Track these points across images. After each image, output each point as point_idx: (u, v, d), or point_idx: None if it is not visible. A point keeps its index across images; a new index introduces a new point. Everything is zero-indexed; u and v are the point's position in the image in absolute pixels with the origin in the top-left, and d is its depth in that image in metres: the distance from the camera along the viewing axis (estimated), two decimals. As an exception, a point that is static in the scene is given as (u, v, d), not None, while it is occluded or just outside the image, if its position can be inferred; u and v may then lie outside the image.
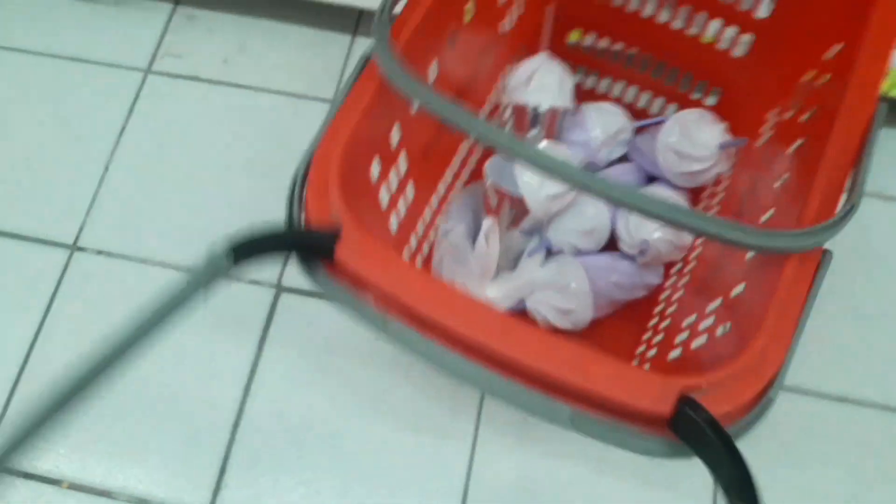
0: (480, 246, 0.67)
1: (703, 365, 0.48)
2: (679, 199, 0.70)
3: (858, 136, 0.44)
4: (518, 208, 0.69)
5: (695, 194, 0.72)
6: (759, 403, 0.39)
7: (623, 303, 0.70)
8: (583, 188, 0.42)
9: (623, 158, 0.76)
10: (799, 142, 0.50)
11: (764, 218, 0.49)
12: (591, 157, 0.75)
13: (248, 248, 0.40)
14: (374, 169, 0.52)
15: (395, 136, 0.53)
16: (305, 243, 0.43)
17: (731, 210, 0.62)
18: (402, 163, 0.57)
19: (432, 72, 0.56)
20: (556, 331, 0.68)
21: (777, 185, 0.50)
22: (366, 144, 0.49)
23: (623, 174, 0.76)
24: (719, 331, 0.47)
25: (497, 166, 0.68)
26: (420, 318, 0.41)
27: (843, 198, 0.43)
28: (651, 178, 0.75)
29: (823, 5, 0.54)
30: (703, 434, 0.37)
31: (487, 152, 0.73)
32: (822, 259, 0.41)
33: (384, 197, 0.56)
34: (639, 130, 0.75)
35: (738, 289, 0.47)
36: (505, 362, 0.39)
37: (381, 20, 0.48)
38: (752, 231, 0.39)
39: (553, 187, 0.65)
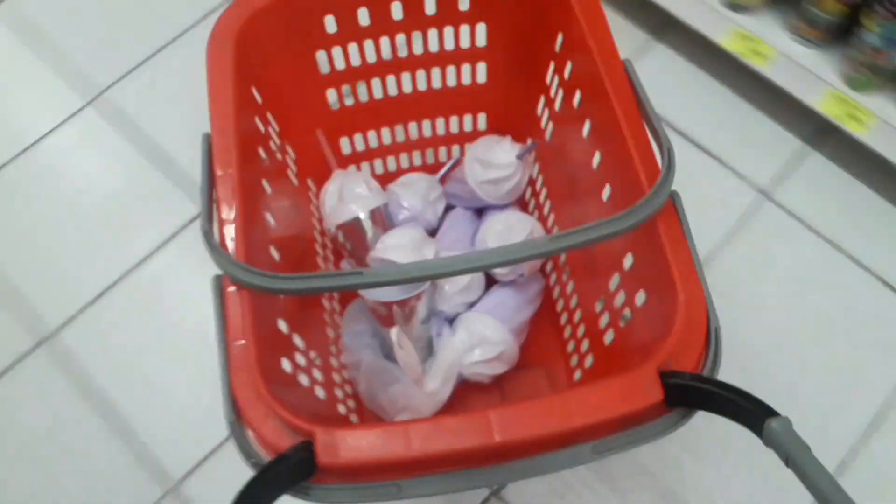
0: (401, 355, 0.69)
1: (640, 335, 0.53)
2: (517, 216, 0.76)
3: (631, 94, 0.52)
4: (404, 304, 0.71)
5: (522, 207, 0.79)
6: (711, 339, 0.45)
7: (529, 321, 0.75)
8: (449, 273, 0.45)
9: (449, 207, 0.82)
10: (588, 123, 0.58)
11: (605, 195, 0.56)
12: (425, 224, 0.79)
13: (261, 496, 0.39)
14: (285, 365, 0.52)
15: (282, 326, 0.54)
16: (294, 470, 0.42)
17: (568, 201, 0.69)
18: (298, 342, 0.57)
19: (269, 220, 0.57)
20: (498, 377, 0.71)
21: (595, 163, 0.57)
22: (267, 352, 0.49)
23: (456, 218, 0.81)
24: (638, 300, 0.52)
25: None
26: (424, 461, 0.43)
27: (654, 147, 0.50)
28: (478, 211, 0.81)
29: (529, 12, 0.62)
30: (696, 392, 0.42)
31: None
32: (675, 202, 0.48)
33: (303, 378, 0.56)
34: (443, 180, 0.81)
35: (628, 259, 0.54)
36: (523, 445, 0.42)
37: (209, 240, 0.48)
38: (617, 219, 0.45)
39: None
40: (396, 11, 0.63)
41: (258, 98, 0.61)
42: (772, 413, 0.37)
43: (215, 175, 0.51)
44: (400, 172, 0.82)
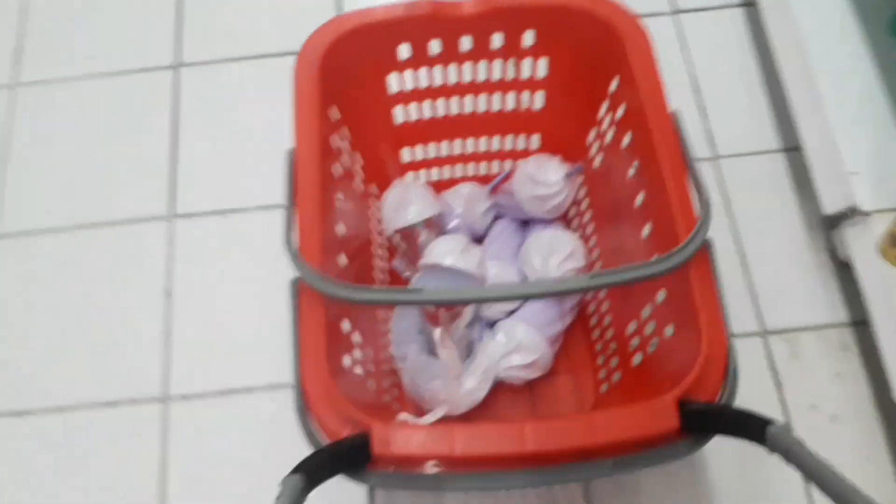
0: (443, 354, 0.75)
1: (666, 363, 0.59)
2: (562, 233, 0.81)
3: (677, 147, 0.57)
4: (451, 308, 0.77)
5: (566, 224, 0.85)
6: (729, 377, 0.50)
7: (563, 332, 0.81)
8: (497, 299, 0.51)
9: (497, 217, 0.88)
10: (635, 164, 0.63)
11: (645, 232, 0.62)
12: (473, 231, 0.86)
13: (319, 473, 0.45)
14: (346, 361, 0.59)
15: (345, 325, 0.61)
16: (352, 456, 0.49)
17: (609, 227, 0.74)
18: (356, 339, 0.64)
19: (340, 230, 0.64)
20: (531, 382, 0.78)
21: (638, 203, 0.63)
22: (334, 350, 0.56)
23: (502, 228, 0.87)
24: (667, 332, 0.58)
25: (426, 280, 0.77)
26: (464, 461, 0.49)
27: (694, 198, 0.55)
28: (523, 223, 0.87)
29: (586, 52, 0.67)
30: (711, 419, 0.47)
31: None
32: (708, 250, 0.53)
33: (358, 370, 0.63)
34: (494, 191, 0.87)
35: (661, 294, 0.59)
36: (552, 455, 0.48)
37: (292, 248, 0.55)
38: (652, 265, 0.51)
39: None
40: (466, 44, 0.69)
41: (337, 115, 0.67)
42: (770, 422, 0.43)
43: (298, 188, 0.58)
44: (454, 181, 0.88)
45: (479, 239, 0.87)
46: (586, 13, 0.65)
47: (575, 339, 0.81)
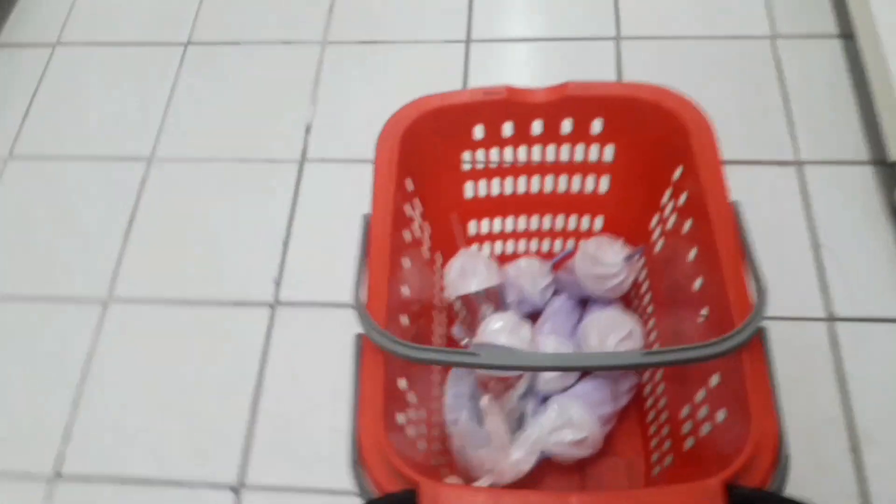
0: (489, 421, 0.77)
1: (717, 448, 0.59)
2: (619, 314, 0.83)
3: (735, 235, 0.59)
4: (506, 379, 0.79)
5: (626, 304, 0.86)
6: (780, 464, 0.50)
7: (618, 413, 0.81)
8: (551, 368, 0.53)
9: (557, 293, 0.90)
10: (694, 250, 0.65)
11: (703, 313, 0.63)
12: (532, 306, 0.88)
13: None
14: (400, 418, 0.62)
15: (402, 383, 0.63)
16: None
17: (668, 310, 0.75)
18: (411, 398, 0.66)
19: (405, 292, 0.67)
20: (580, 461, 0.78)
21: (697, 286, 0.64)
22: (389, 407, 0.59)
23: (561, 304, 0.89)
24: (719, 417, 0.58)
25: (479, 349, 0.79)
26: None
27: (751, 284, 0.57)
28: (582, 301, 0.89)
29: (655, 143, 0.70)
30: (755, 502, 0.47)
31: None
32: (762, 338, 0.54)
33: (411, 430, 0.65)
34: (556, 268, 0.90)
35: (715, 379, 0.60)
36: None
37: (359, 305, 0.58)
38: (703, 347, 0.52)
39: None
40: (537, 128, 0.73)
41: (411, 186, 0.72)
42: None
43: (371, 251, 0.62)
44: (517, 256, 0.91)
45: (537, 314, 0.89)
46: (654, 105, 0.68)
47: (629, 421, 0.81)
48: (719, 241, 0.58)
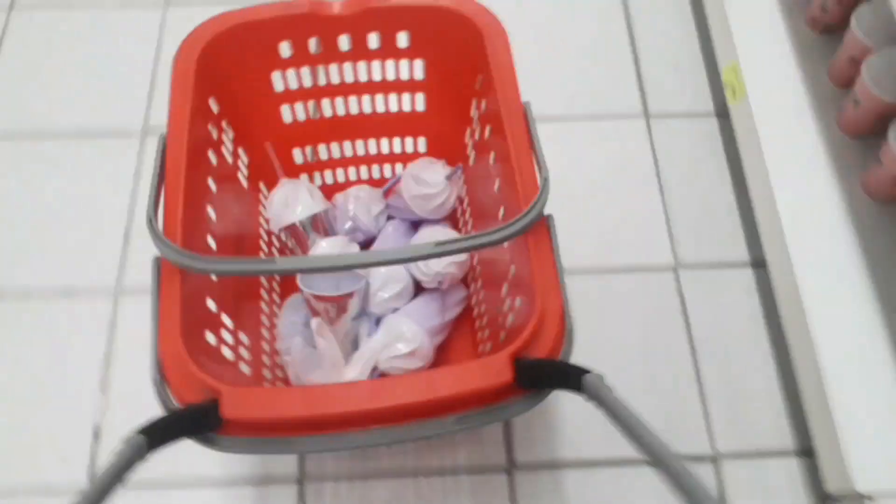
0: (320, 343, 0.77)
1: (519, 332, 0.61)
2: (446, 231, 0.85)
3: (525, 132, 0.61)
4: (338, 300, 0.79)
5: (454, 224, 0.88)
6: (565, 338, 0.53)
7: (448, 325, 0.84)
8: (375, 265, 0.54)
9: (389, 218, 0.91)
10: (493, 153, 0.67)
11: (500, 215, 0.65)
12: (366, 233, 0.88)
13: (160, 434, 0.46)
14: (210, 338, 0.60)
15: (210, 305, 0.62)
16: (199, 419, 0.50)
17: (481, 220, 0.78)
18: (226, 321, 0.65)
19: (211, 214, 0.66)
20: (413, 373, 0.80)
21: (495, 188, 0.67)
22: (194, 324, 0.57)
23: (394, 229, 0.90)
24: (517, 303, 0.61)
25: (307, 277, 0.79)
26: (311, 422, 0.51)
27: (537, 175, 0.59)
28: (415, 224, 0.90)
29: (458, 54, 0.72)
30: (541, 373, 0.50)
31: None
32: (548, 223, 0.57)
33: (227, 353, 0.64)
34: (387, 194, 0.90)
35: (511, 270, 0.62)
36: (394, 412, 0.50)
37: (152, 225, 0.56)
38: (490, 233, 0.54)
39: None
40: (344, 43, 0.72)
41: (214, 108, 0.70)
42: (587, 372, 0.45)
43: (166, 168, 0.60)
44: (348, 184, 0.91)
45: (371, 242, 0.90)
46: (454, 13, 0.69)
47: (461, 333, 0.84)
48: (510, 137, 0.61)
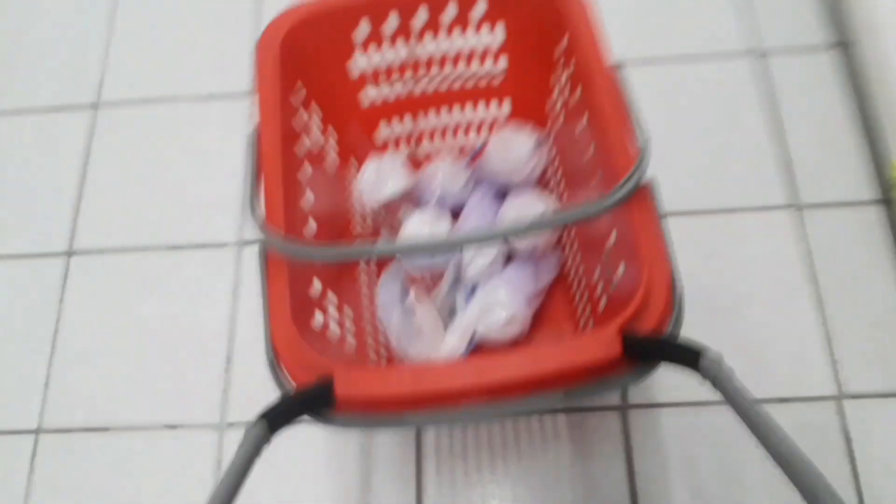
0: (419, 313, 0.78)
1: (623, 302, 0.60)
2: (536, 198, 0.84)
3: (618, 94, 0.59)
4: (435, 275, 0.81)
5: (544, 185, 0.87)
6: (675, 306, 0.52)
7: (543, 290, 0.83)
8: (472, 242, 0.54)
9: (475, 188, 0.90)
10: (585, 116, 0.65)
11: (595, 181, 0.64)
12: (453, 204, 0.88)
13: (281, 416, 0.48)
14: (318, 319, 0.62)
15: (316, 287, 0.64)
16: (315, 399, 0.52)
17: (575, 184, 0.76)
18: (331, 299, 0.67)
19: (309, 196, 0.67)
20: (513, 343, 0.80)
21: (590, 152, 0.65)
22: (302, 309, 0.59)
23: (481, 197, 0.89)
24: (619, 271, 0.60)
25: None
26: (423, 398, 0.52)
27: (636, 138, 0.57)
28: (501, 192, 0.89)
29: (538, 16, 0.70)
30: (652, 348, 0.49)
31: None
32: (650, 190, 0.55)
33: (334, 327, 0.67)
34: (471, 163, 0.90)
35: (612, 238, 0.61)
36: (503, 386, 0.50)
37: (256, 216, 0.58)
38: (591, 205, 0.53)
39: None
40: (422, 15, 0.71)
41: (303, 90, 0.71)
42: (704, 351, 0.44)
43: (262, 159, 0.61)
44: (434, 155, 0.90)
45: (459, 212, 0.90)
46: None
47: (557, 297, 0.84)
48: (603, 101, 0.59)
